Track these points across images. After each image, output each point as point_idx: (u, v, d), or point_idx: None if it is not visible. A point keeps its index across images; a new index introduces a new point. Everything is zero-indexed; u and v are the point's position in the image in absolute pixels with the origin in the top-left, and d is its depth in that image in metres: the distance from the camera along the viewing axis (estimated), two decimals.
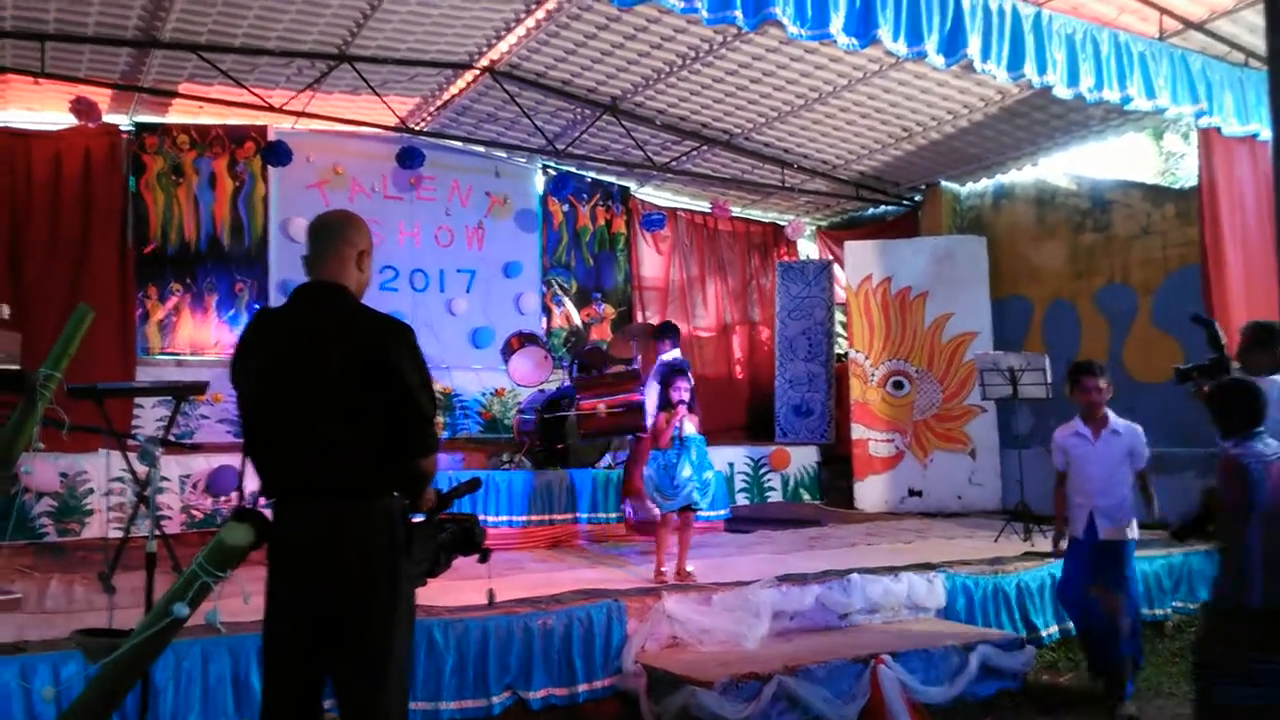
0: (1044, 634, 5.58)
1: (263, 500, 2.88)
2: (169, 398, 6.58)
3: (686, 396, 5.68)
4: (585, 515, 7.58)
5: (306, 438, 2.72)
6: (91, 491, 7.03)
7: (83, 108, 7.89)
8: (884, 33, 5.56)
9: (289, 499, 2.78)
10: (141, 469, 5.18)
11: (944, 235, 10.05)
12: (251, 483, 2.94)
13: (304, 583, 2.73)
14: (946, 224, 10.23)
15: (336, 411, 2.71)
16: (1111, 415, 4.95)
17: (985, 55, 5.94)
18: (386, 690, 2.76)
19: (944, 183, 10.24)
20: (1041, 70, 6.09)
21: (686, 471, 5.60)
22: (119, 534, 5.85)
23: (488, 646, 4.29)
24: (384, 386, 2.71)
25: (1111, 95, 6.41)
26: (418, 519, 2.89)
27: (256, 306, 8.98)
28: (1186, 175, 9.14)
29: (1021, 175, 9.69)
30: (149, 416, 8.29)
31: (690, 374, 5.87)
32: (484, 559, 3.00)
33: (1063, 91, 6.27)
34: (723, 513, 8.20)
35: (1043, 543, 6.69)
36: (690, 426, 5.71)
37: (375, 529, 2.73)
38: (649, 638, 4.71)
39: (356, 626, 2.72)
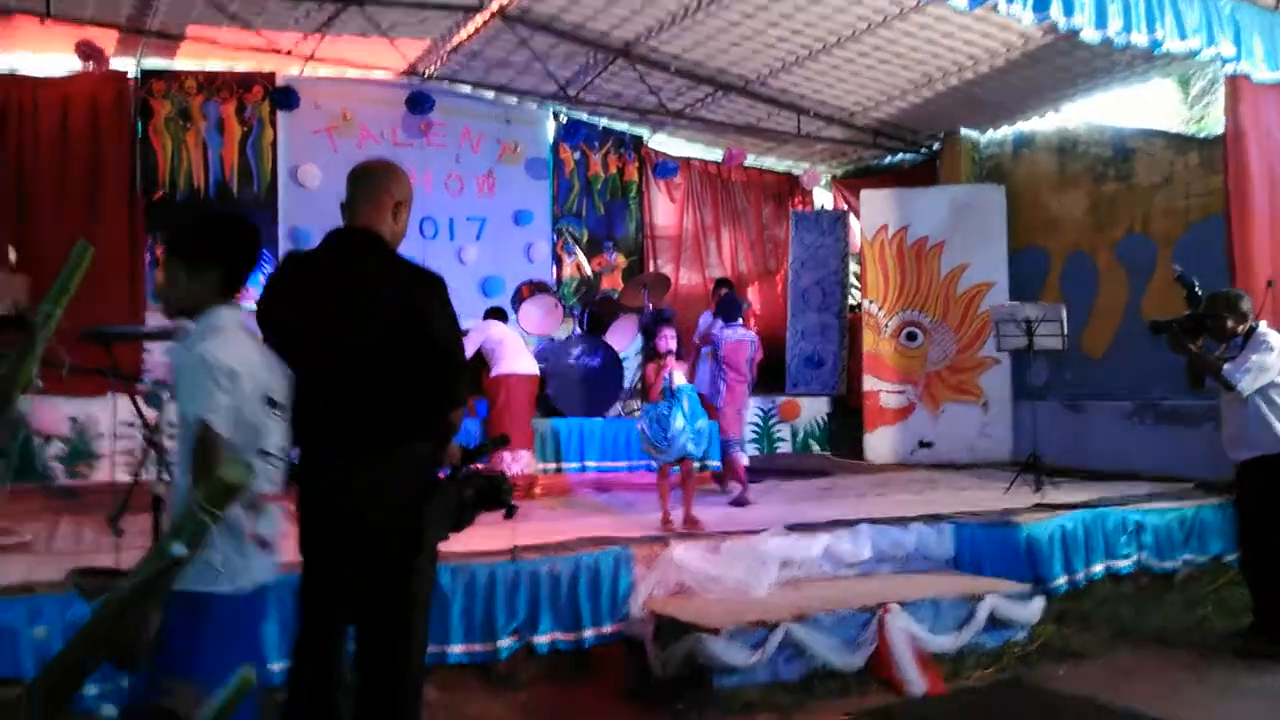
0: (1053, 585, 5.54)
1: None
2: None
3: (674, 346, 5.60)
4: (593, 464, 7.58)
5: (334, 383, 2.71)
6: (100, 436, 7.07)
7: (88, 52, 7.78)
8: None
9: (316, 445, 2.78)
10: (150, 413, 5.19)
11: (962, 184, 9.88)
12: None
13: (334, 524, 2.74)
14: (965, 173, 10.05)
15: (364, 359, 2.70)
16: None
17: None
18: (408, 637, 2.78)
19: (963, 130, 10.03)
20: (1069, 11, 5.86)
21: (679, 423, 5.54)
22: (128, 477, 5.88)
23: (495, 591, 4.29)
24: (412, 336, 2.69)
25: (1140, 39, 6.18)
26: (443, 474, 2.88)
27: (265, 254, 8.91)
28: (1211, 123, 8.94)
29: (1043, 123, 9.48)
30: (158, 363, 8.28)
31: (675, 322, 5.80)
32: (510, 515, 2.99)
33: (1091, 34, 6.06)
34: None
35: (1054, 494, 6.66)
36: (680, 376, 5.63)
37: (401, 475, 2.73)
38: (656, 585, 4.71)
39: (382, 572, 2.74)
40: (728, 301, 7.32)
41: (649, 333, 5.68)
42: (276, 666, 3.82)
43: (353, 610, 2.84)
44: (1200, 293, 5.24)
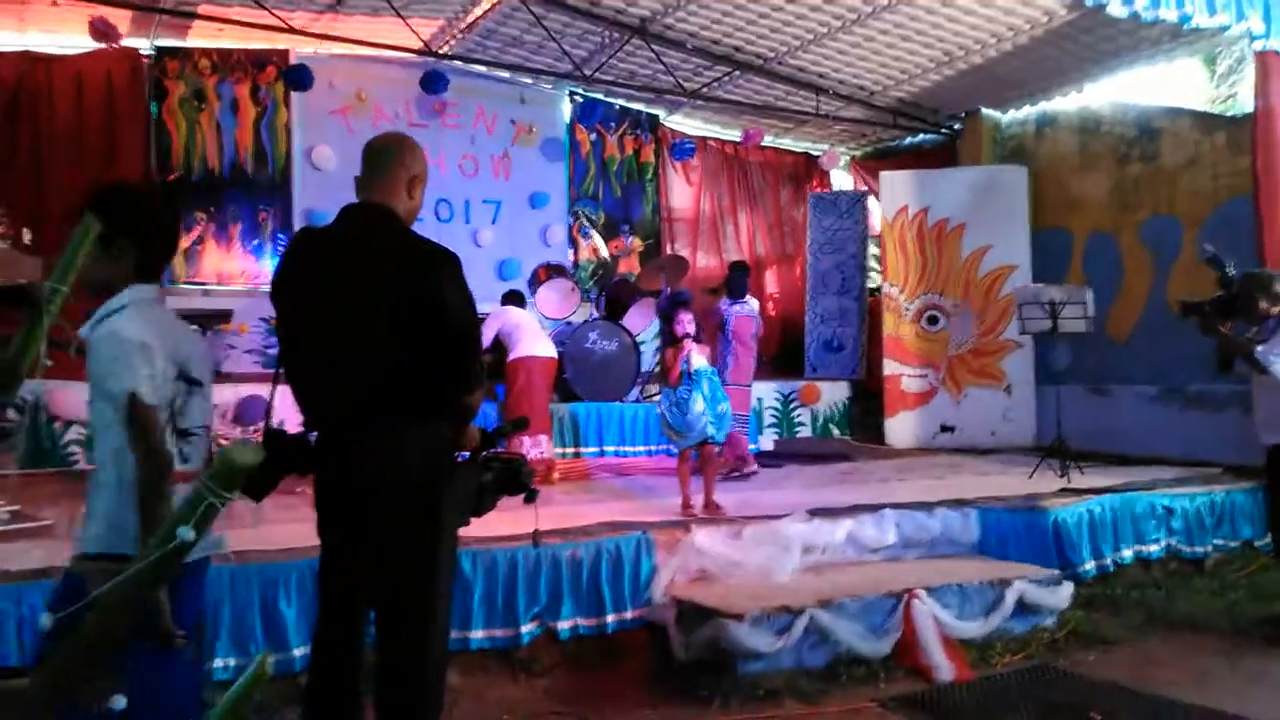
0: (1081, 570, 5.47)
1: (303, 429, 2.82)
2: (194, 327, 6.52)
3: (692, 329, 5.54)
4: (611, 449, 7.52)
5: (348, 363, 2.66)
6: None
7: (101, 29, 7.72)
8: None
9: (330, 425, 2.73)
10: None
11: (984, 165, 9.74)
12: (281, 407, 2.89)
13: (350, 510, 2.69)
14: (986, 153, 9.89)
15: (378, 337, 2.64)
16: None
17: None
18: (428, 620, 2.73)
19: (985, 110, 9.87)
20: None
21: (699, 406, 5.47)
22: None
23: (516, 577, 4.24)
24: (425, 313, 2.63)
25: (1169, 14, 6.06)
26: (462, 458, 2.83)
27: (281, 236, 8.88)
28: (1239, 103, 8.77)
29: (1066, 102, 9.32)
30: None
31: (693, 305, 5.76)
32: (530, 500, 2.93)
33: (1118, 9, 5.94)
34: (752, 447, 8.12)
35: (1080, 480, 6.56)
36: (700, 360, 5.56)
37: (416, 455, 2.67)
38: (678, 570, 4.65)
39: (401, 556, 2.68)
40: (733, 280, 7.81)
41: (667, 316, 5.61)
42: (298, 651, 3.80)
43: (372, 593, 2.79)
44: (1232, 274, 5.12)
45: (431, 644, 2.78)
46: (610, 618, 4.41)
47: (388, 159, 2.84)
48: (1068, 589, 4.95)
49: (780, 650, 4.16)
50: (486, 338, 6.73)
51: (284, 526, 4.47)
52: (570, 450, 7.34)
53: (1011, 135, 9.91)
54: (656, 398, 8.32)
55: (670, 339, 5.59)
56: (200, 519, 1.32)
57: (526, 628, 4.23)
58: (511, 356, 6.66)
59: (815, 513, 5.20)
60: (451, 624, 3.95)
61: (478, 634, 4.13)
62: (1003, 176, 9.46)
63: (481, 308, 7.51)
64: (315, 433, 2.81)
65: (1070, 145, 9.27)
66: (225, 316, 5.74)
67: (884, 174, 9.99)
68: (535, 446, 6.41)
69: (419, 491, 2.68)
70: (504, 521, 4.00)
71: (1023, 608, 4.77)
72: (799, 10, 8.27)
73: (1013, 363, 9.20)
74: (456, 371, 2.74)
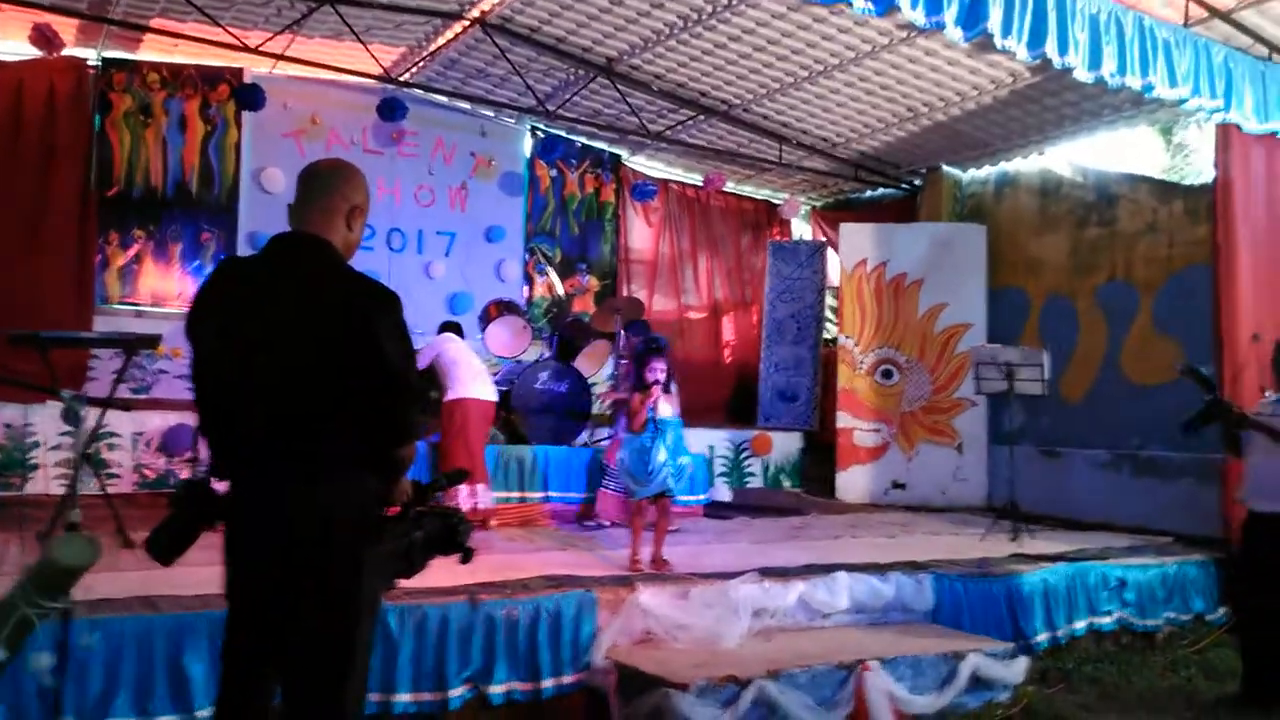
0: (1034, 641, 5.34)
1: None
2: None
3: (662, 377, 5.36)
4: (557, 494, 7.28)
5: (267, 409, 2.40)
6: (38, 445, 6.65)
7: (43, 37, 7.40)
8: None
9: (244, 475, 2.47)
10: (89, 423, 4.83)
11: (943, 222, 9.74)
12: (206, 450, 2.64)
13: (260, 568, 2.44)
14: (946, 210, 9.91)
15: (303, 382, 2.40)
16: None
17: (1006, 30, 5.59)
18: (340, 693, 2.47)
19: (946, 167, 9.91)
20: (1063, 50, 5.74)
21: (661, 456, 5.28)
22: (65, 490, 5.48)
23: (448, 635, 3.98)
24: (359, 357, 2.39)
25: (1133, 82, 6.08)
26: (392, 512, 2.60)
27: (223, 258, 8.55)
28: (1195, 171, 8.88)
29: (1026, 164, 9.37)
30: (105, 368, 7.86)
31: (667, 354, 5.55)
32: (466, 559, 2.69)
33: (1083, 75, 5.93)
34: (701, 498, 7.92)
35: (1031, 544, 6.46)
36: (667, 409, 5.38)
37: (341, 513, 2.43)
38: (621, 632, 4.42)
39: (315, 618, 2.43)
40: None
41: (640, 360, 5.40)
42: (202, 714, 3.49)
43: (280, 663, 2.52)
44: (1210, 376, 5.11)
45: (344, 716, 2.52)
46: (547, 682, 4.16)
47: (327, 187, 2.63)
48: (1022, 663, 4.79)
49: None
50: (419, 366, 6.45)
51: (202, 569, 4.16)
52: (515, 494, 7.07)
53: (971, 193, 9.94)
54: (603, 442, 8.12)
55: (640, 384, 5.38)
56: (12, 633, 1.08)
57: (456, 691, 3.96)
58: (448, 397, 6.36)
59: (766, 573, 5.01)
60: (371, 687, 3.68)
61: (403, 697, 3.85)
62: (962, 234, 9.46)
63: (425, 340, 7.04)
64: (224, 481, 2.56)
65: (1029, 206, 9.31)
66: (152, 342, 5.41)
67: (844, 226, 9.94)
68: (472, 496, 6.13)
69: (339, 552, 2.44)
70: (437, 573, 3.75)
71: (977, 681, 4.60)
72: (765, 59, 8.23)
73: (966, 421, 9.14)
74: (390, 422, 2.51)
